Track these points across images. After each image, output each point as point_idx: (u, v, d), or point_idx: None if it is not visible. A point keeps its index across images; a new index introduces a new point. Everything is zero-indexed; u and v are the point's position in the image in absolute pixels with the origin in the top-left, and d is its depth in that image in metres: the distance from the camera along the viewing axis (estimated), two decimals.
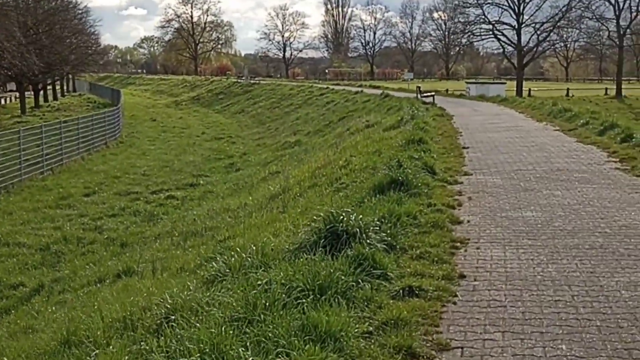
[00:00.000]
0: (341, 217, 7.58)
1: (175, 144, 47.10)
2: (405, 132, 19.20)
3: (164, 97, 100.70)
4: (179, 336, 5.16)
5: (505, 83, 61.08)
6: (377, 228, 8.00)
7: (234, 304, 5.59)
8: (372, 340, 5.35)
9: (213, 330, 5.11)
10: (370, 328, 5.58)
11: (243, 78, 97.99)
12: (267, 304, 5.55)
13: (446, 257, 7.77)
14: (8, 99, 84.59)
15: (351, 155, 18.64)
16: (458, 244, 8.35)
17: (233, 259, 7.38)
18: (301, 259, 6.78)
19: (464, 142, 19.22)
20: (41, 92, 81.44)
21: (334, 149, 22.00)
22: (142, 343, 5.39)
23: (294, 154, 33.43)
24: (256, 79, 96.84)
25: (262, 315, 5.29)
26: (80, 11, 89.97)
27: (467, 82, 62.91)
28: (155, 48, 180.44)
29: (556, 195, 11.47)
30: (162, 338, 5.33)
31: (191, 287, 6.72)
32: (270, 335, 4.95)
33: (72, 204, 26.98)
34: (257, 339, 4.98)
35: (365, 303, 6.10)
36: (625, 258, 7.77)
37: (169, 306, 6.09)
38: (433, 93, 38.43)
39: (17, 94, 78.68)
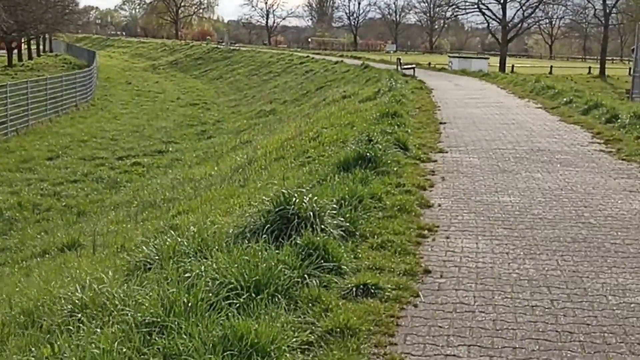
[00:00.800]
0: (293, 198, 6.60)
1: (149, 109, 45.85)
2: (380, 105, 18.22)
3: (142, 61, 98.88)
4: (73, 344, 4.19)
5: (488, 58, 60.13)
6: (335, 211, 7.04)
7: (147, 303, 4.62)
8: (310, 356, 4.40)
9: (115, 337, 4.15)
10: (311, 338, 4.62)
11: (223, 44, 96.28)
12: (189, 305, 4.59)
13: (411, 247, 6.83)
14: None
15: (323, 127, 17.66)
16: (425, 232, 7.41)
17: (167, 243, 6.40)
18: (240, 248, 5.79)
19: (441, 117, 18.29)
20: (15, 52, 79.62)
21: (306, 119, 20.98)
22: (33, 349, 4.42)
23: (268, 122, 32.38)
24: (236, 45, 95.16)
25: (177, 321, 4.32)
26: None
27: (450, 56, 61.85)
28: (137, 11, 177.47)
29: (536, 179, 10.56)
30: (57, 344, 4.36)
31: (109, 276, 5.73)
32: (181, 348, 3.99)
33: (34, 168, 25.87)
34: (166, 351, 4.02)
35: (310, 304, 5.13)
36: (612, 255, 6.87)
37: (77, 300, 5.12)
38: (414, 65, 37.39)
39: (9, 53, 76.76)
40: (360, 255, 6.40)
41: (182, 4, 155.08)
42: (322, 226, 6.51)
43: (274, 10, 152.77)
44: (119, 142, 31.83)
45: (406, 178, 10.08)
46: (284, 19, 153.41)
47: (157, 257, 6.13)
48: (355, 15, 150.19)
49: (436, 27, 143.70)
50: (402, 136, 12.75)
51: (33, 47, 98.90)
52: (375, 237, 6.97)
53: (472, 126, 16.67)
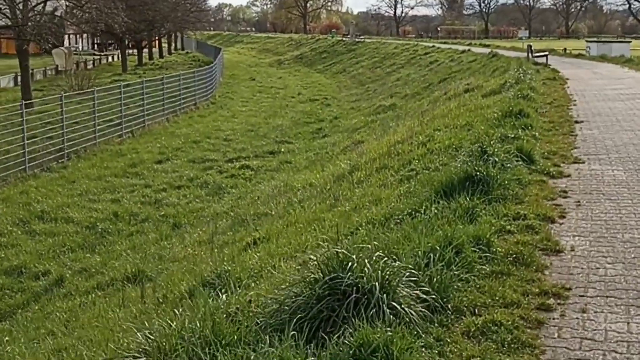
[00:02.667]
0: (351, 263, 4.53)
1: (268, 106, 44.70)
2: (504, 101, 15.77)
3: (269, 56, 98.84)
4: None
5: (630, 42, 55.39)
6: (416, 274, 4.91)
7: None
8: None
9: None
10: None
11: (348, 36, 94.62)
12: None
13: (527, 333, 4.61)
14: (116, 57, 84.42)
15: (436, 128, 15.44)
16: (551, 302, 5.15)
17: (170, 327, 4.47)
18: (258, 351, 3.79)
19: (577, 114, 15.62)
20: (146, 50, 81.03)
21: (421, 118, 18.75)
22: None
23: (385, 119, 30.26)
24: (361, 37, 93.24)
25: None
26: None
27: (588, 41, 57.52)
28: (268, 6, 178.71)
29: None
30: None
31: None
32: None
33: (141, 172, 24.98)
34: None
35: None
36: None
37: None
38: (546, 53, 34.19)
39: (128, 52, 78.24)
40: (448, 351, 4.25)
41: None
42: (393, 302, 4.39)
43: (401, 0, 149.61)
44: (232, 143, 30.61)
45: (528, 205, 7.78)
46: (412, 8, 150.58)
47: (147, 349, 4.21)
48: (486, 1, 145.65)
49: (572, 10, 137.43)
50: (526, 144, 10.36)
51: (165, 45, 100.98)
52: (475, 314, 4.79)
53: (615, 125, 13.97)
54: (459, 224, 6.35)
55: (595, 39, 68.25)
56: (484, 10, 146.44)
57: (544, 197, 8.29)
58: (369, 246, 4.99)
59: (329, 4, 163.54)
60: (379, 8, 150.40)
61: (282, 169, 24.14)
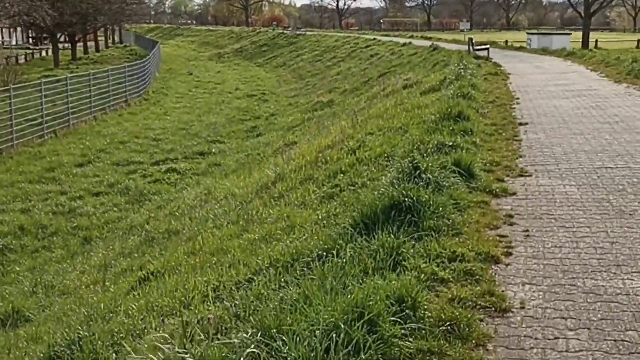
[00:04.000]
0: None
1: (203, 102, 42.93)
2: (443, 101, 14.45)
3: (209, 49, 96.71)
4: None
5: (570, 34, 54.83)
6: None
7: None
8: None
9: None
10: None
11: (289, 29, 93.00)
12: None
13: None
14: (50, 51, 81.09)
15: (369, 131, 14.06)
16: None
17: None
18: None
19: (521, 115, 14.36)
20: (81, 44, 78.25)
21: (355, 118, 17.32)
22: None
23: (322, 117, 28.90)
24: (302, 29, 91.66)
25: None
26: None
27: (528, 33, 56.87)
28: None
29: None
30: None
31: None
32: None
33: (58, 177, 23.11)
34: None
35: None
36: None
37: None
38: (488, 46, 33.10)
39: (64, 46, 75.28)
40: None
41: None
42: None
43: None
44: (161, 143, 28.87)
45: (468, 237, 6.40)
46: (355, 0, 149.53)
47: None
48: None
49: (513, 2, 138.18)
50: (465, 155, 8.97)
51: (102, 39, 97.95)
52: None
53: (562, 128, 12.71)
54: (377, 278, 4.90)
55: (535, 31, 67.76)
56: (426, 2, 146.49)
57: (486, 224, 6.91)
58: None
59: None
60: (321, 0, 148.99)
61: (210, 172, 22.57)
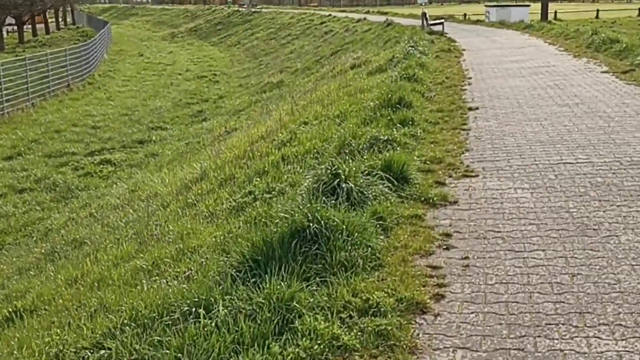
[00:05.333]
0: None
1: (151, 85, 41.10)
2: (384, 85, 13.03)
3: (164, 29, 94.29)
4: None
5: (529, 5, 53.53)
6: None
7: None
8: None
9: None
10: None
11: (244, 6, 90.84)
12: None
13: None
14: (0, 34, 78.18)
15: (305, 120, 12.61)
16: None
17: None
18: None
19: (471, 98, 12.96)
20: (29, 27, 75.44)
21: (296, 103, 15.86)
22: None
23: (269, 99, 27.38)
24: (258, 7, 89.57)
25: None
26: None
27: (487, 5, 55.53)
28: None
29: None
30: None
31: None
32: None
33: None
34: None
35: None
36: None
37: None
38: (442, 20, 31.67)
39: (13, 28, 72.47)
40: None
41: None
42: None
43: None
44: (99, 131, 27.15)
45: (389, 273, 5.00)
46: None
47: None
48: None
49: None
50: (398, 156, 7.50)
51: (54, 20, 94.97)
52: None
53: (516, 113, 11.33)
54: (253, 355, 3.47)
55: (495, 3, 66.61)
56: None
57: (417, 250, 5.50)
58: None
59: None
60: None
61: (146, 163, 20.96)
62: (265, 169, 9.29)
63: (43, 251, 11.45)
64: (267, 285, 4.38)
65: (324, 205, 5.54)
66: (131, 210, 11.70)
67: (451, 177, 7.65)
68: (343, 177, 6.41)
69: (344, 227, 5.31)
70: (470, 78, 15.59)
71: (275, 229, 5.12)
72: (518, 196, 6.89)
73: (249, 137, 13.87)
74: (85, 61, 43.01)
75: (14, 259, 12.14)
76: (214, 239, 6.40)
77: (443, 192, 7.02)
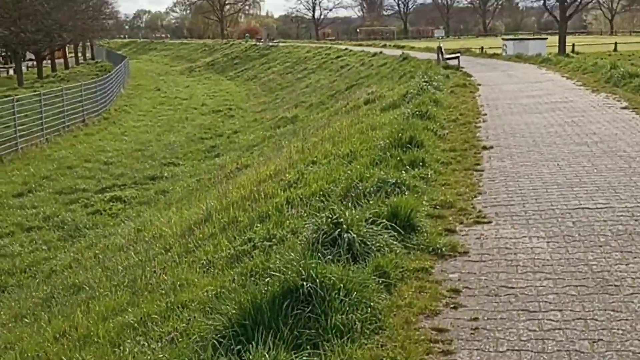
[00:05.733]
0: None
1: (166, 120, 41.00)
2: (396, 122, 12.64)
3: (182, 63, 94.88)
4: None
5: (546, 38, 53.27)
6: None
7: None
8: None
9: None
10: None
11: (262, 40, 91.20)
12: None
13: None
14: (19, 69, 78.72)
15: (314, 160, 12.23)
16: None
17: None
18: None
19: (486, 135, 12.53)
20: (48, 62, 76.07)
21: (307, 140, 15.51)
22: None
23: (283, 135, 27.04)
24: (275, 41, 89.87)
25: None
26: None
27: (504, 39, 55.24)
28: (187, 12, 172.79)
29: None
30: None
31: None
32: None
33: None
34: None
35: None
36: None
37: None
38: (458, 54, 31.35)
39: (33, 63, 72.97)
40: None
41: (227, 1, 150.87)
42: None
43: (320, 2, 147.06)
44: (111, 167, 26.89)
45: (389, 338, 4.54)
46: (330, 10, 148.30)
47: None
48: (405, 1, 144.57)
49: (489, 8, 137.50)
50: (406, 201, 7.07)
51: (74, 55, 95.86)
52: None
53: (532, 152, 10.87)
54: None
55: (513, 36, 66.32)
56: (402, 10, 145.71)
57: (422, 309, 5.05)
58: None
59: (247, 7, 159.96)
60: (297, 10, 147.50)
61: (156, 201, 20.64)
62: (269, 212, 8.90)
63: (42, 296, 11.08)
64: (251, 357, 3.94)
65: (320, 260, 5.10)
66: (133, 253, 11.31)
67: (462, 224, 7.19)
68: (345, 226, 5.98)
69: (342, 285, 4.87)
70: (485, 114, 15.17)
71: (265, 289, 4.68)
72: (533, 246, 6.42)
73: (257, 176, 13.51)
74: (101, 96, 43.03)
75: (13, 304, 11.76)
76: (206, 293, 5.97)
77: (453, 241, 6.57)
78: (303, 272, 4.79)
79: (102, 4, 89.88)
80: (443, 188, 8.66)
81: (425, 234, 6.68)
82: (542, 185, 8.67)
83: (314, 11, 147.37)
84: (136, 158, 28.74)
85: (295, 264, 4.94)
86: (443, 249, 6.34)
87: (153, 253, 10.57)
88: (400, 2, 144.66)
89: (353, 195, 8.08)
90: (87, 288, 9.98)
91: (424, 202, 7.77)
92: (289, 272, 4.80)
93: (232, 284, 5.96)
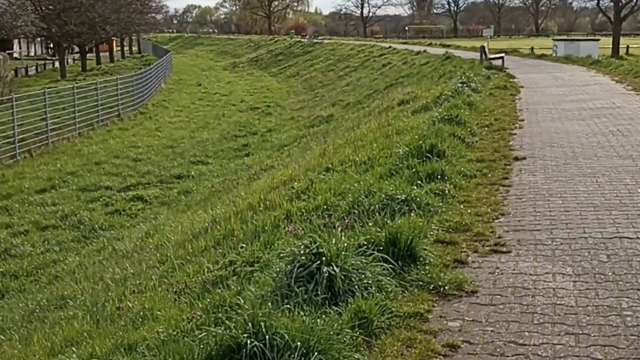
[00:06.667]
0: None
1: (202, 116, 40.29)
2: (422, 127, 11.56)
3: (227, 58, 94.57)
4: None
5: (599, 40, 51.39)
6: None
7: None
8: None
9: None
10: None
11: (307, 37, 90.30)
12: None
13: None
14: (68, 61, 79.19)
15: (329, 166, 11.22)
16: None
17: None
18: None
19: (520, 144, 11.36)
20: (93, 54, 76.34)
21: (325, 145, 14.50)
22: None
23: (316, 134, 26.07)
24: (320, 38, 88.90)
25: None
26: None
27: (555, 40, 53.45)
28: (236, 7, 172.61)
29: None
30: None
31: None
32: None
33: (11, 206, 20.53)
34: None
35: None
36: None
37: None
38: (502, 55, 29.95)
39: (80, 55, 73.19)
40: None
41: None
42: None
43: (368, 0, 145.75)
44: (139, 165, 26.15)
45: None
46: (379, 7, 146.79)
47: None
48: (455, 0, 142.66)
49: (542, 8, 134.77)
50: (409, 226, 6.01)
51: (121, 48, 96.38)
52: None
53: (569, 165, 9.69)
54: None
55: (565, 37, 64.37)
56: (452, 9, 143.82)
57: None
58: None
59: (295, 4, 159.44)
60: (345, 8, 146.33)
61: (177, 202, 19.82)
62: (266, 227, 7.94)
63: (30, 307, 10.29)
64: None
65: (275, 310, 4.08)
66: (129, 264, 10.46)
67: (476, 253, 6.12)
68: (326, 258, 4.96)
69: (300, 342, 3.84)
70: (522, 120, 13.97)
71: (198, 350, 3.68)
72: (556, 286, 5.32)
73: (271, 182, 12.59)
74: (138, 90, 42.50)
75: (1, 315, 10.98)
76: (155, 335, 5.00)
77: (460, 276, 5.50)
78: (250, 326, 3.78)
79: None
80: (462, 206, 7.57)
81: (427, 267, 5.62)
82: (576, 206, 7.53)
83: (362, 8, 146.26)
84: (166, 155, 28.00)
85: (243, 312, 3.93)
86: (447, 287, 5.29)
87: (148, 265, 9.72)
88: (450, 0, 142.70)
89: (355, 213, 7.07)
90: (71, 304, 9.14)
91: (434, 224, 6.70)
92: (233, 325, 3.80)
93: (189, 324, 4.99)
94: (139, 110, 40.85)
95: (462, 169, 9.20)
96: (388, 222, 6.32)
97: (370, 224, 6.33)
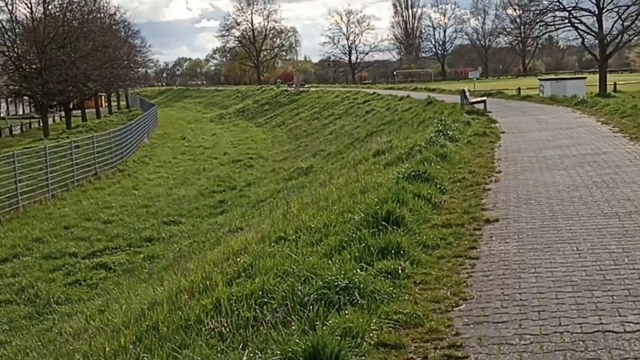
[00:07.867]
0: None
1: (182, 171, 39.24)
2: (385, 187, 10.39)
3: (214, 110, 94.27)
4: None
5: (585, 78, 50.69)
6: None
7: None
8: None
9: None
10: None
11: (293, 86, 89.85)
12: None
13: None
14: (55, 119, 78.47)
15: (281, 236, 10.05)
16: None
17: None
18: None
19: (494, 203, 10.17)
20: (79, 111, 75.65)
21: (286, 206, 13.30)
22: None
23: (293, 188, 24.96)
24: (305, 86, 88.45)
25: None
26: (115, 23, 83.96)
27: (541, 79, 52.79)
28: (226, 59, 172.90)
29: None
30: None
31: None
32: None
33: None
34: None
35: None
36: None
37: None
38: (484, 98, 28.95)
39: (67, 113, 72.54)
40: None
41: (263, 47, 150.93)
42: None
43: (356, 46, 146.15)
44: (109, 227, 24.94)
45: None
46: (366, 54, 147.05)
47: None
48: (442, 43, 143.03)
49: (529, 48, 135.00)
50: (334, 338, 4.79)
51: (107, 104, 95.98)
52: None
53: (546, 229, 8.46)
54: None
55: (552, 76, 63.80)
56: (440, 52, 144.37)
57: None
58: None
59: (283, 53, 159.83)
60: (333, 55, 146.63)
61: (140, 269, 18.58)
62: (190, 321, 6.73)
63: None
64: None
65: None
66: (65, 351, 9.22)
67: (426, 358, 4.88)
68: None
69: None
70: (499, 172, 12.82)
71: None
72: None
73: (224, 252, 11.40)
74: (117, 147, 41.47)
75: None
76: None
77: None
78: None
79: (132, 53, 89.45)
80: (417, 289, 6.36)
81: None
82: (551, 285, 6.31)
83: (350, 55, 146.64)
84: (139, 216, 26.81)
85: None
86: None
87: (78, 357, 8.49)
88: (437, 43, 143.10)
89: (287, 305, 5.86)
90: None
91: (378, 318, 5.49)
92: None
93: None
94: (117, 168, 39.78)
95: (424, 238, 7.99)
96: (317, 322, 5.11)
97: (293, 327, 5.11)
